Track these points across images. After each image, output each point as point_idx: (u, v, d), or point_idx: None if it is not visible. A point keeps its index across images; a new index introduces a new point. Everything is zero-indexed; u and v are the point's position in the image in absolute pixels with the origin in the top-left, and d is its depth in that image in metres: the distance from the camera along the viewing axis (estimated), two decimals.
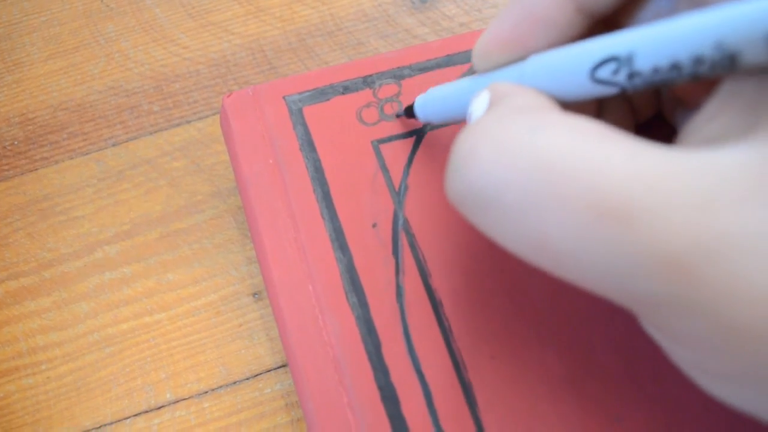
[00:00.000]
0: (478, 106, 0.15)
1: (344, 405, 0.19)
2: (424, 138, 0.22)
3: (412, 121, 0.22)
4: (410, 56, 0.23)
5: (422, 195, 0.21)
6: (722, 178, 0.11)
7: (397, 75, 0.23)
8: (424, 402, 0.19)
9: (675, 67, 0.12)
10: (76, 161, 0.27)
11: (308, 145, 0.22)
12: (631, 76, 0.13)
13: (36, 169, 0.27)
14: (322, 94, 0.23)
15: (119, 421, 0.23)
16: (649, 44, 0.13)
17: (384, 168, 0.22)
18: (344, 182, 0.21)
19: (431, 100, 0.20)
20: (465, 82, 0.18)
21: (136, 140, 0.27)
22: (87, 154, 0.27)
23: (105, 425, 0.23)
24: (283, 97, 0.22)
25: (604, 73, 0.13)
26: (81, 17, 0.30)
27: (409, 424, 0.19)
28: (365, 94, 0.23)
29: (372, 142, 0.22)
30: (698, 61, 0.12)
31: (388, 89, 0.23)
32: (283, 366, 0.24)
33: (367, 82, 0.23)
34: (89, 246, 0.26)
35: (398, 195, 0.21)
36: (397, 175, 0.22)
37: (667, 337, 0.12)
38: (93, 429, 0.23)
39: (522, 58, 0.16)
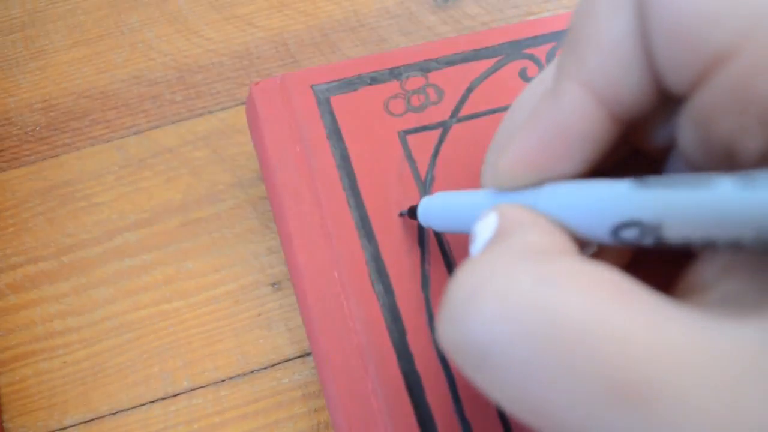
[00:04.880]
0: (484, 229, 0.14)
1: (369, 391, 0.19)
2: (451, 129, 0.22)
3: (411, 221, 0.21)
4: (437, 50, 0.24)
5: (448, 186, 0.21)
6: (751, 360, 0.10)
7: (424, 68, 0.23)
8: (448, 389, 0.19)
9: (708, 242, 0.11)
10: (97, 148, 0.27)
11: (335, 134, 0.22)
12: (658, 242, 0.12)
13: (57, 155, 0.27)
14: (349, 84, 0.23)
15: (136, 407, 0.23)
16: (680, 216, 0.11)
17: (410, 158, 0.22)
18: (371, 171, 0.21)
19: (436, 207, 0.18)
20: (474, 195, 0.16)
21: (158, 129, 0.27)
22: (109, 141, 0.27)
23: (121, 411, 0.23)
24: (311, 86, 0.23)
25: (628, 234, 0.12)
26: (105, 7, 0.30)
27: (433, 410, 0.19)
28: (392, 86, 0.23)
29: (399, 132, 0.22)
30: (735, 242, 0.11)
31: (415, 81, 0.23)
32: (302, 356, 0.24)
33: (395, 73, 0.23)
34: (109, 232, 0.26)
35: (424, 185, 0.21)
36: (423, 166, 0.22)
37: None
38: (109, 414, 0.23)
39: (551, 178, 0.14)
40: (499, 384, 0.11)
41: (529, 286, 0.11)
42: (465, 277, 0.12)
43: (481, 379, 0.12)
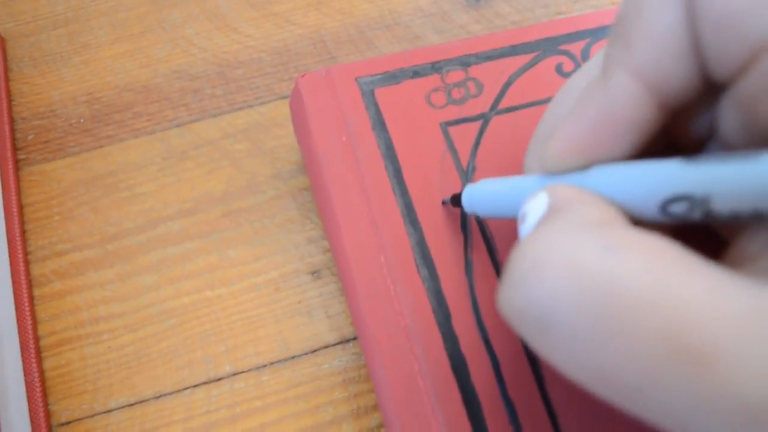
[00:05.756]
0: (535, 208, 0.14)
1: (415, 373, 0.19)
2: (491, 121, 0.23)
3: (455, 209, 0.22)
4: (476, 45, 0.24)
5: (489, 175, 0.22)
6: None
7: (464, 62, 0.24)
8: (492, 371, 0.20)
9: (756, 214, 0.12)
10: (140, 140, 0.28)
11: (380, 125, 0.23)
12: (707, 215, 0.12)
13: (101, 146, 0.28)
14: (393, 77, 0.23)
15: (179, 391, 0.24)
16: (730, 189, 0.12)
17: (452, 148, 0.22)
18: (414, 161, 0.22)
19: (481, 193, 0.18)
20: (520, 180, 0.16)
21: (199, 122, 0.28)
22: (152, 133, 0.28)
23: (164, 395, 0.24)
24: (356, 79, 0.23)
25: (677, 208, 0.12)
26: (147, 4, 0.31)
27: (478, 390, 0.19)
28: (434, 79, 0.23)
29: (440, 123, 0.23)
30: None
31: (455, 75, 0.24)
32: (341, 343, 0.24)
33: (436, 67, 0.24)
34: (152, 221, 0.26)
35: (466, 174, 0.22)
36: (464, 156, 0.22)
37: None
38: (152, 398, 0.24)
39: (597, 162, 0.15)
40: (563, 349, 0.12)
41: (595, 253, 0.12)
42: (529, 247, 0.13)
43: (545, 344, 0.12)
